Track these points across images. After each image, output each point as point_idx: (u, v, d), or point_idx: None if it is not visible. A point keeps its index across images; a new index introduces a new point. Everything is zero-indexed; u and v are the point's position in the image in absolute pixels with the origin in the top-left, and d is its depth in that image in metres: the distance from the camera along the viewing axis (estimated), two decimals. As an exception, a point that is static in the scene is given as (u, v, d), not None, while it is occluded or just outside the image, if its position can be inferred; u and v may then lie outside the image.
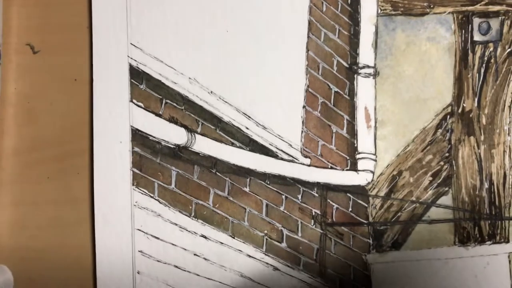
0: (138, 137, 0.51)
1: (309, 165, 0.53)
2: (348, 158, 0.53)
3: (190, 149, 0.52)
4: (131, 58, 0.52)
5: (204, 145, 0.52)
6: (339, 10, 0.55)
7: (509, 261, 0.53)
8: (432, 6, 0.54)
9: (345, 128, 0.54)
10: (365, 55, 0.54)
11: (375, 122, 0.53)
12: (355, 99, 0.54)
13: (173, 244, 0.51)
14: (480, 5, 0.54)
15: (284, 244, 0.52)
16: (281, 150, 0.53)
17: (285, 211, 0.52)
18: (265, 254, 0.52)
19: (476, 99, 0.54)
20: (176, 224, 0.51)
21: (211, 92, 0.52)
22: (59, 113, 0.52)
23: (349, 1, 0.55)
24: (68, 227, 0.51)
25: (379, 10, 0.54)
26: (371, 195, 0.53)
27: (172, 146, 0.51)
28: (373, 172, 0.53)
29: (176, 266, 0.51)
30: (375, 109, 0.54)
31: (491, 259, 0.53)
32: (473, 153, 0.54)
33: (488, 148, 0.54)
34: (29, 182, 0.51)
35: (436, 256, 0.52)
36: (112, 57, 0.52)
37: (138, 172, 0.51)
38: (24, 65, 0.52)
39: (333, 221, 0.53)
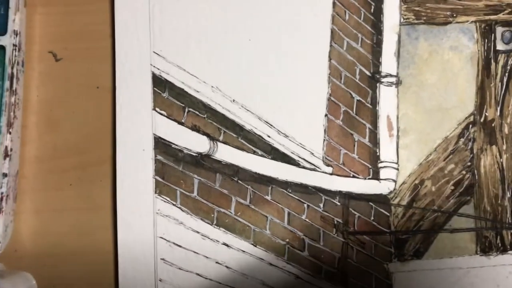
0: (161, 145, 0.51)
1: (331, 174, 0.53)
2: (370, 167, 0.54)
3: (212, 157, 0.52)
4: (154, 67, 0.52)
5: (226, 153, 0.52)
6: (361, 19, 0.55)
7: (531, 271, 0.53)
8: (454, 15, 0.54)
9: (367, 137, 0.54)
10: (388, 64, 0.54)
11: (398, 131, 0.53)
12: (377, 108, 0.54)
13: (195, 252, 0.51)
14: (503, 14, 0.54)
15: (306, 253, 0.52)
16: (303, 159, 0.53)
17: (307, 220, 0.52)
18: (286, 262, 0.52)
19: (498, 108, 0.54)
20: (198, 232, 0.51)
21: (233, 100, 0.52)
22: (81, 121, 0.52)
23: (372, 10, 0.55)
24: (90, 234, 0.51)
25: (402, 19, 0.54)
26: (393, 204, 0.53)
27: (194, 154, 0.52)
28: (395, 181, 0.53)
29: (198, 274, 0.51)
30: (397, 118, 0.54)
31: (513, 268, 0.53)
32: (495, 162, 0.54)
33: (511, 157, 0.54)
34: (52, 190, 0.51)
35: (458, 265, 0.52)
36: (135, 65, 0.52)
37: (160, 180, 0.51)
38: (47, 73, 0.52)
39: (355, 230, 0.53)
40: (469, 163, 0.54)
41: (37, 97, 0.52)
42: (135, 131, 0.51)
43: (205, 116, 0.52)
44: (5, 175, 0.48)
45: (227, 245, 0.51)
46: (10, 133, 0.48)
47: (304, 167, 0.53)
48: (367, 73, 0.54)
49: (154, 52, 0.52)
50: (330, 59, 0.54)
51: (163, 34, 0.52)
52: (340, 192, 0.53)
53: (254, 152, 0.53)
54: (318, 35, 0.54)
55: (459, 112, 0.54)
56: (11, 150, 0.48)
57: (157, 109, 0.52)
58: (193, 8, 0.53)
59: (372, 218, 0.53)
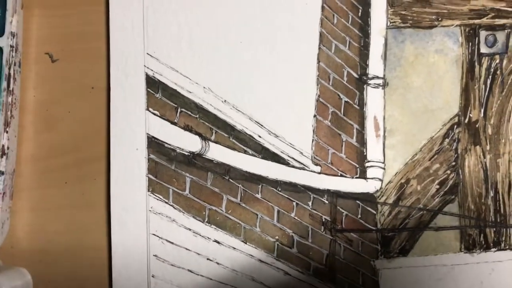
0: (154, 144, 0.52)
1: (319, 173, 0.54)
2: (357, 166, 0.55)
3: (204, 156, 0.53)
4: (148, 68, 0.53)
5: (218, 153, 0.53)
6: (349, 22, 0.56)
7: (514, 268, 0.54)
8: (440, 19, 0.56)
9: (354, 137, 0.55)
10: (375, 66, 0.55)
11: (384, 132, 0.55)
12: (364, 109, 0.55)
13: (187, 249, 0.52)
14: (487, 19, 0.56)
15: (294, 250, 0.53)
16: (293, 158, 0.54)
17: (296, 218, 0.54)
18: (276, 259, 0.53)
19: (482, 110, 0.55)
20: (190, 229, 0.52)
21: (225, 101, 0.54)
22: (76, 120, 0.53)
23: (359, 13, 0.56)
24: (85, 231, 0.52)
25: (389, 23, 0.56)
26: (379, 202, 0.54)
27: (186, 154, 0.53)
28: (381, 180, 0.54)
29: (190, 270, 0.52)
30: (384, 118, 0.55)
31: (496, 265, 0.54)
32: (479, 162, 0.55)
33: (494, 157, 0.55)
34: (47, 188, 0.52)
35: (443, 262, 0.54)
36: (129, 66, 0.53)
37: (153, 178, 0.52)
38: (43, 74, 0.54)
39: (343, 228, 0.54)
40: (453, 163, 0.55)
41: (34, 97, 0.53)
42: (129, 130, 0.52)
43: (197, 116, 0.53)
44: (2, 173, 0.49)
45: (218, 242, 0.52)
46: (7, 132, 0.49)
47: (293, 166, 0.54)
48: (355, 75, 0.56)
49: (147, 53, 0.53)
50: (318, 61, 0.55)
51: (156, 36, 0.54)
52: (328, 190, 0.54)
53: (245, 152, 0.54)
54: (307, 38, 0.55)
55: (444, 113, 0.55)
56: (8, 148, 0.49)
57: (150, 109, 0.53)
58: (186, 11, 0.54)
59: (359, 216, 0.54)
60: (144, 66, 0.53)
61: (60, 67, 0.54)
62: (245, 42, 0.54)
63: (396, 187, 0.54)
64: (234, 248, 0.53)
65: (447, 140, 0.55)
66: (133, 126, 0.53)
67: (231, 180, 0.53)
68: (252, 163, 0.53)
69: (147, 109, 0.53)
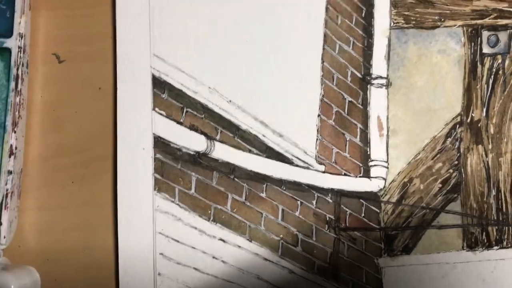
0: (160, 144, 0.53)
1: (323, 172, 0.55)
2: (361, 165, 0.55)
3: (209, 156, 0.53)
4: (154, 69, 0.53)
5: (223, 152, 0.54)
6: (353, 23, 0.56)
7: (516, 266, 0.54)
8: (442, 20, 0.56)
9: (358, 136, 0.56)
10: (378, 66, 0.56)
11: (387, 131, 0.55)
12: (368, 109, 0.56)
13: (192, 247, 0.52)
14: (489, 19, 0.56)
15: (299, 248, 0.54)
16: (297, 157, 0.54)
17: (300, 216, 0.54)
18: (280, 257, 0.53)
19: (484, 109, 0.56)
20: (195, 228, 0.53)
21: (230, 101, 0.54)
22: (83, 121, 0.53)
23: (363, 14, 0.56)
24: (92, 230, 0.52)
25: (392, 23, 0.56)
26: (383, 201, 0.55)
27: (192, 153, 0.53)
28: (385, 179, 0.55)
29: (196, 269, 0.52)
30: (387, 118, 0.55)
31: (498, 263, 0.54)
32: (481, 161, 0.55)
33: (496, 156, 0.55)
34: (55, 187, 0.53)
35: (445, 260, 0.54)
36: (136, 67, 0.53)
37: (159, 177, 0.53)
38: (50, 74, 0.54)
39: (347, 226, 0.54)
40: (456, 162, 0.56)
41: (41, 97, 0.54)
42: (135, 130, 0.53)
43: (203, 116, 0.54)
44: (10, 172, 0.49)
45: (223, 241, 0.53)
46: (15, 132, 0.49)
47: (297, 166, 0.54)
48: (358, 75, 0.56)
49: (154, 54, 0.54)
50: (322, 61, 0.55)
51: (162, 37, 0.54)
52: (332, 189, 0.55)
53: (250, 151, 0.54)
54: (312, 38, 0.55)
55: (446, 113, 0.55)
56: (15, 148, 0.49)
57: (156, 109, 0.53)
58: (191, 12, 0.54)
59: (363, 214, 0.55)
60: (151, 66, 0.53)
61: (67, 68, 0.54)
62: (250, 42, 0.55)
63: (399, 186, 0.55)
64: (239, 246, 0.53)
65: (449, 139, 0.55)
66: (140, 126, 0.53)
67: (236, 179, 0.54)
68: (256, 163, 0.54)
69: (154, 109, 0.53)
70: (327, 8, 0.56)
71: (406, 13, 0.56)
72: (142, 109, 0.53)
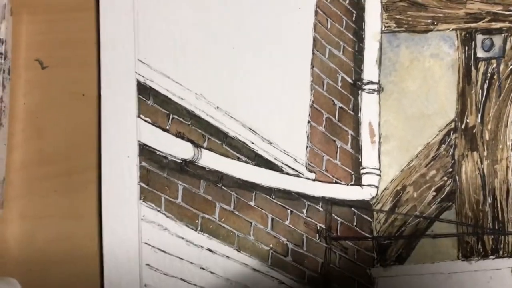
0: (146, 152, 0.52)
1: (314, 180, 0.54)
2: (352, 173, 0.54)
3: (196, 163, 0.52)
4: (139, 74, 0.53)
5: (210, 160, 0.53)
6: (343, 27, 0.55)
7: (512, 276, 0.53)
8: (435, 23, 0.55)
9: (349, 143, 0.55)
10: (369, 71, 0.55)
11: (379, 138, 0.54)
12: (359, 115, 0.55)
13: (179, 258, 0.51)
14: (483, 22, 0.55)
15: (289, 258, 0.53)
16: (286, 165, 0.53)
17: (290, 225, 0.53)
18: (270, 268, 0.52)
19: (479, 115, 0.55)
20: (182, 238, 0.52)
21: (217, 107, 0.53)
22: (67, 128, 0.53)
23: (353, 18, 0.56)
24: (76, 240, 0.51)
25: (383, 27, 0.55)
26: (375, 209, 0.54)
27: (179, 161, 0.52)
28: (377, 187, 0.54)
29: (183, 279, 0.51)
30: (379, 124, 0.54)
31: (494, 273, 0.53)
32: (476, 168, 0.54)
33: (491, 163, 0.54)
34: (37, 196, 0.52)
35: (440, 270, 0.53)
36: (120, 72, 0.52)
37: (145, 186, 0.52)
38: (33, 81, 0.53)
39: (338, 235, 0.53)
40: (450, 169, 0.55)
41: (24, 104, 0.53)
42: (120, 138, 0.52)
43: (190, 123, 0.53)
44: (-10, 181, 0.48)
45: (211, 251, 0.52)
46: (-5, 140, 0.49)
47: (287, 173, 0.53)
48: (349, 80, 0.55)
49: (138, 59, 0.53)
50: (312, 66, 0.54)
51: (147, 42, 0.53)
52: (323, 198, 0.53)
53: (238, 159, 0.53)
54: (301, 43, 0.54)
55: (440, 118, 0.54)
56: (-4, 157, 0.49)
57: (141, 116, 0.52)
58: (177, 16, 0.54)
59: (355, 223, 0.54)
60: (135, 72, 0.53)
61: (50, 74, 0.53)
62: (237, 47, 0.54)
63: (392, 194, 0.54)
64: (228, 256, 0.52)
65: (443, 146, 0.54)
66: (125, 133, 0.52)
67: (224, 188, 0.53)
68: (245, 170, 0.53)
69: (139, 116, 0.52)
70: (316, 12, 0.55)
71: (398, 16, 0.55)
72: (127, 116, 0.52)
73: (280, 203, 0.53)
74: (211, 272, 0.52)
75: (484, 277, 0.53)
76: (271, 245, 0.53)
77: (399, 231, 0.54)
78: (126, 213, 0.51)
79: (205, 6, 0.54)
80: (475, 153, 0.54)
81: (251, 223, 0.53)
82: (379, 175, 0.54)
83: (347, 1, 0.56)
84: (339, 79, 0.55)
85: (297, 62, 0.54)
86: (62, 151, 0.52)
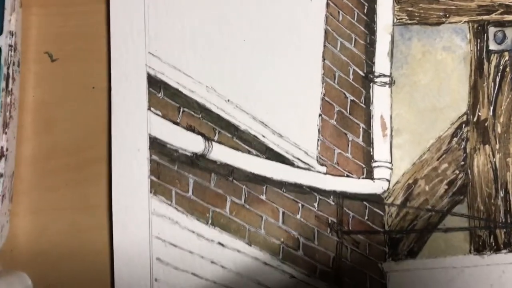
0: (156, 145, 0.52)
1: (325, 173, 0.53)
2: (364, 166, 0.54)
3: (207, 157, 0.52)
4: (149, 67, 0.52)
5: (221, 153, 0.52)
6: (355, 19, 0.55)
7: (525, 270, 0.53)
8: (447, 16, 0.55)
9: (361, 137, 0.54)
10: (381, 64, 0.54)
11: (391, 131, 0.54)
12: (371, 108, 0.54)
13: (190, 252, 0.51)
14: (496, 15, 0.55)
15: (300, 252, 0.52)
16: (298, 158, 0.53)
17: (302, 219, 0.53)
18: (281, 262, 0.52)
19: (491, 108, 0.54)
20: (193, 232, 0.51)
21: (228, 100, 0.53)
22: (77, 121, 0.52)
23: (365, 10, 0.55)
24: (86, 234, 0.51)
25: (395, 20, 0.55)
26: (387, 203, 0.53)
27: (189, 154, 0.52)
28: (389, 181, 0.53)
29: (194, 274, 0.51)
30: (391, 117, 0.54)
31: (507, 267, 0.53)
32: (488, 161, 0.54)
33: (504, 156, 0.54)
34: (47, 190, 0.52)
35: (452, 265, 0.53)
36: (130, 65, 0.52)
37: (155, 180, 0.51)
38: (43, 73, 0.53)
39: (349, 229, 0.53)
40: (462, 163, 0.54)
41: (33, 97, 0.52)
42: (131, 131, 0.52)
43: (200, 116, 0.53)
44: (1, 175, 0.48)
45: (222, 245, 0.52)
46: (6, 133, 0.48)
47: (298, 167, 0.53)
48: (361, 73, 0.55)
49: (149, 52, 0.52)
50: (324, 59, 0.54)
51: (158, 35, 0.53)
52: (334, 191, 0.53)
53: (249, 152, 0.53)
54: (312, 35, 0.54)
55: (452, 112, 0.54)
56: (7, 150, 0.48)
57: (152, 109, 0.52)
58: (188, 9, 0.53)
59: (366, 217, 0.53)
60: (146, 65, 0.52)
61: (60, 67, 0.53)
62: (248, 40, 0.53)
63: (404, 187, 0.53)
64: (239, 250, 0.52)
65: (455, 139, 0.54)
66: (135, 126, 0.52)
67: (235, 181, 0.52)
68: (256, 164, 0.53)
69: (149, 109, 0.52)
70: (327, 4, 0.54)
71: (410, 8, 0.55)
72: (137, 109, 0.52)
73: (291, 197, 0.53)
74: (222, 266, 0.51)
75: (496, 271, 0.53)
76: (282, 239, 0.52)
77: (411, 225, 0.53)
78: (137, 206, 0.51)
79: (216, -2, 0.54)
80: (487, 146, 0.54)
81: (262, 217, 0.52)
82: (391, 169, 0.53)
83: (359, -7, 0.55)
84: (351, 71, 0.55)
85: (309, 54, 0.54)
86: (72, 144, 0.52)
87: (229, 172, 0.52)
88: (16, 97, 0.50)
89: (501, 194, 0.54)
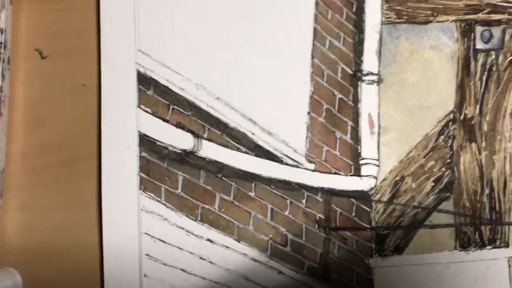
0: (146, 142, 0.52)
1: (313, 171, 0.54)
2: (351, 163, 0.54)
3: (196, 154, 0.52)
4: (139, 64, 0.52)
5: (211, 150, 0.53)
6: (344, 18, 0.55)
7: (509, 266, 0.53)
8: (435, 15, 0.55)
9: (349, 134, 0.55)
10: (369, 62, 0.55)
11: (379, 128, 0.54)
12: (359, 106, 0.55)
13: (179, 248, 0.51)
14: (483, 14, 0.55)
15: (288, 248, 0.53)
16: (286, 156, 0.53)
17: (290, 216, 0.53)
18: (269, 258, 0.52)
19: (478, 106, 0.55)
20: (182, 228, 0.52)
21: (218, 98, 0.53)
22: (67, 118, 0.52)
23: (354, 9, 0.55)
24: (76, 230, 0.51)
25: (384, 18, 0.55)
26: (374, 200, 0.54)
27: (179, 151, 0.52)
28: (376, 178, 0.54)
29: (183, 270, 0.51)
30: (378, 115, 0.54)
31: (491, 263, 0.53)
32: (475, 159, 0.55)
33: (489, 154, 0.55)
34: (37, 186, 0.52)
35: (438, 261, 0.53)
36: (120, 63, 0.52)
37: (145, 176, 0.52)
38: (33, 70, 0.53)
39: (337, 226, 0.54)
40: (448, 160, 0.55)
41: (23, 94, 0.53)
42: (120, 128, 0.52)
43: (190, 113, 0.53)
44: (-10, 171, 0.48)
45: (211, 241, 0.52)
46: (-5, 130, 0.48)
47: (287, 164, 0.53)
48: (349, 71, 0.55)
49: (139, 50, 0.53)
50: (312, 57, 0.54)
51: (148, 32, 0.53)
52: (322, 188, 0.54)
53: (238, 149, 0.53)
54: (301, 34, 0.54)
55: (439, 110, 0.55)
56: (-4, 147, 0.48)
57: (142, 106, 0.52)
58: (177, 7, 0.53)
59: (354, 214, 0.54)
60: (136, 62, 0.52)
61: (50, 64, 0.53)
62: (238, 38, 0.54)
63: (391, 184, 0.54)
64: (227, 247, 0.52)
65: (442, 137, 0.55)
66: (125, 123, 0.52)
67: (224, 178, 0.53)
68: (245, 161, 0.53)
69: (139, 107, 0.52)
70: (316, 3, 0.55)
71: (398, 7, 0.55)
72: (127, 106, 0.52)
73: (280, 194, 0.53)
74: (211, 262, 0.52)
75: (481, 267, 0.53)
76: (270, 235, 0.53)
77: (398, 222, 0.54)
78: (126, 203, 0.51)
79: (205, -4, 0.54)
80: (473, 144, 0.55)
81: (250, 213, 0.53)
82: (378, 166, 0.54)
83: (348, -8, 0.56)
84: (339, 70, 0.55)
85: (298, 53, 0.54)
86: (62, 141, 0.52)
87: (218, 169, 0.53)
88: (6, 94, 0.50)
89: (487, 191, 0.54)
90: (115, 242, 0.51)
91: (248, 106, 0.53)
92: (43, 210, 0.52)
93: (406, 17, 0.55)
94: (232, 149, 0.53)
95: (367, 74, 0.55)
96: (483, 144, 0.55)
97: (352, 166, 0.54)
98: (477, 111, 0.55)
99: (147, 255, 0.51)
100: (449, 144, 0.55)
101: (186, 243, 0.52)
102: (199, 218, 0.52)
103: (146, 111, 0.52)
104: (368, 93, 0.54)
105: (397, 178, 0.54)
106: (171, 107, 0.53)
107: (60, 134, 0.52)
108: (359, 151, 0.54)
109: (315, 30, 0.54)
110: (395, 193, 0.54)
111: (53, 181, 0.52)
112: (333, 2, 0.55)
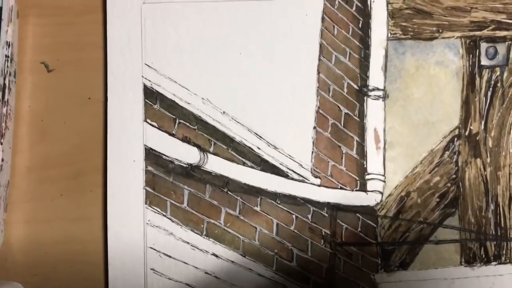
0: (152, 156, 0.52)
1: (319, 185, 0.54)
2: (357, 178, 0.54)
3: (202, 168, 0.52)
4: (145, 78, 0.52)
5: (216, 165, 0.53)
6: (350, 33, 0.55)
7: (514, 282, 0.54)
8: (440, 31, 0.55)
9: (354, 149, 0.55)
10: (375, 78, 0.55)
11: (384, 144, 0.54)
12: (364, 121, 0.55)
13: (184, 263, 0.51)
14: (488, 31, 0.56)
15: (294, 263, 0.53)
16: (292, 170, 0.53)
17: (296, 231, 0.53)
18: (275, 273, 0.52)
19: (483, 122, 0.55)
20: (188, 243, 0.52)
21: (224, 112, 0.53)
22: (73, 131, 0.52)
23: (360, 25, 0.56)
24: (81, 244, 0.51)
25: (389, 34, 0.55)
26: (379, 215, 0.54)
27: (185, 165, 0.52)
28: (382, 193, 0.54)
29: (188, 284, 0.51)
30: (384, 131, 0.54)
31: (497, 279, 0.53)
32: (480, 175, 0.55)
33: (494, 170, 0.55)
34: (42, 199, 0.52)
35: (443, 276, 0.53)
36: (127, 77, 0.52)
37: (151, 190, 0.52)
38: (39, 83, 0.53)
39: (343, 241, 0.53)
40: (454, 176, 0.55)
41: (29, 107, 0.53)
42: (126, 142, 0.52)
43: (196, 127, 0.53)
44: (-4, 185, 0.48)
45: (216, 256, 0.52)
46: (1, 143, 0.48)
47: (292, 179, 0.53)
48: (355, 86, 0.55)
49: (145, 64, 0.53)
50: (318, 72, 0.55)
51: (154, 46, 0.53)
52: (328, 203, 0.54)
53: (244, 164, 0.53)
54: (307, 49, 0.54)
55: (444, 125, 0.55)
56: (2, 160, 0.48)
57: (148, 120, 0.52)
58: (184, 21, 0.54)
59: (359, 229, 0.54)
60: (142, 76, 0.53)
61: (56, 77, 0.53)
62: (244, 53, 0.54)
63: (397, 200, 0.54)
64: (233, 261, 0.52)
65: (447, 152, 0.55)
66: (131, 137, 0.52)
67: (229, 193, 0.53)
68: (251, 175, 0.53)
69: (145, 120, 0.52)
70: (323, 18, 0.55)
71: (404, 24, 0.55)
72: (133, 120, 0.52)
73: (286, 208, 0.53)
74: (216, 277, 0.52)
75: (486, 283, 0.53)
76: (276, 250, 0.53)
77: (403, 237, 0.54)
78: (132, 217, 0.51)
79: (212, 11, 0.54)
80: (478, 159, 0.55)
81: (256, 228, 0.53)
82: (384, 181, 0.54)
83: (354, 8, 0.56)
84: (345, 85, 0.55)
85: (304, 68, 0.54)
86: (67, 154, 0.52)
87: (224, 183, 0.53)
88: (12, 108, 0.50)
89: (492, 207, 0.54)
90: (120, 256, 0.51)
91: (254, 120, 0.53)
92: (48, 224, 0.51)
93: (411, 33, 0.55)
94: (238, 164, 0.53)
95: (373, 90, 0.55)
96: (488, 160, 0.55)
97: (358, 181, 0.54)
98: (482, 127, 0.55)
99: (152, 269, 0.51)
100: (454, 160, 0.55)
101: (191, 257, 0.51)
102: (204, 233, 0.52)
103: (152, 125, 0.52)
104: (374, 108, 0.55)
105: (403, 194, 0.54)
106: (177, 121, 0.53)
107: (65, 148, 0.52)
108: (365, 166, 0.54)
109: (321, 45, 0.55)
110: (401, 209, 0.54)
111: (58, 195, 0.52)
112: (339, 18, 0.55)
